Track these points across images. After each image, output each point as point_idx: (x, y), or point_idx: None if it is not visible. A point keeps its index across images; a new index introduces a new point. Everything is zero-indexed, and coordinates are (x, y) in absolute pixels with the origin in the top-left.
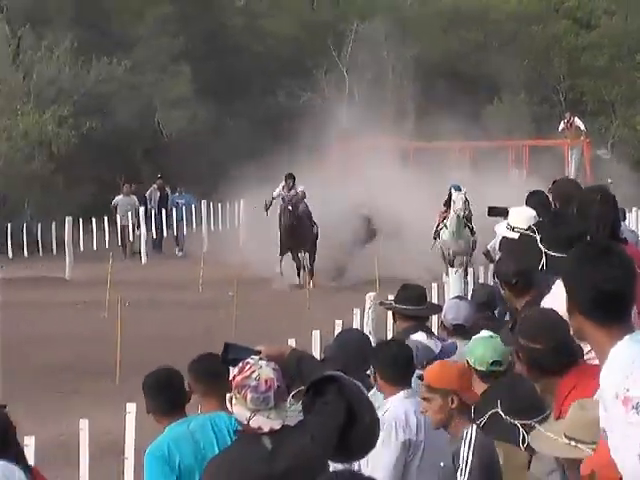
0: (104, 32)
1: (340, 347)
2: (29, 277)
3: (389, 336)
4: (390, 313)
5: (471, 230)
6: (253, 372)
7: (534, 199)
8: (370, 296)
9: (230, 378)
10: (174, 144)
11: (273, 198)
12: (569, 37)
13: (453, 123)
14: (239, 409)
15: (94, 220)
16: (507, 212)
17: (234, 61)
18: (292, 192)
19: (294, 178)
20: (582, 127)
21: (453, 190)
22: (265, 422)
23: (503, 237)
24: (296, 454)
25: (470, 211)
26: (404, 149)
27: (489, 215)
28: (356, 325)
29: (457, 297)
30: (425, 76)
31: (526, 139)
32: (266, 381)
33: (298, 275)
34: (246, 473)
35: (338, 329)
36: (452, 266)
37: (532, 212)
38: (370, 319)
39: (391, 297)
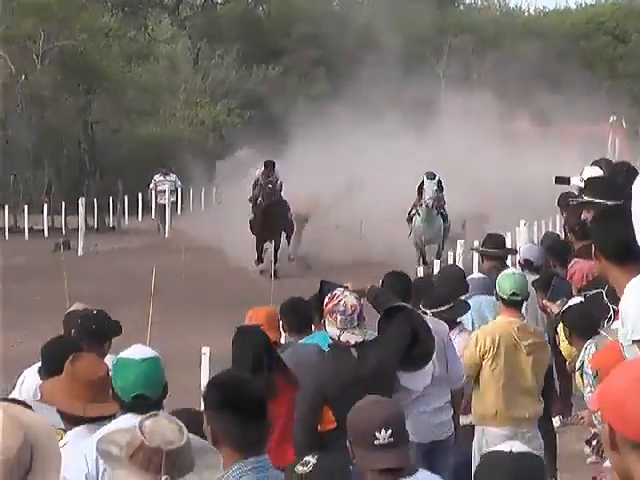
0: (261, 44)
1: (444, 278)
2: None
3: (474, 271)
4: (476, 255)
5: (443, 217)
6: (341, 300)
7: (598, 162)
8: (460, 242)
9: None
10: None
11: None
12: (608, 49)
13: (524, 114)
14: (331, 328)
15: None
16: (569, 180)
17: (357, 67)
18: (270, 179)
19: (274, 165)
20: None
21: (425, 178)
22: (351, 337)
23: (562, 194)
24: (376, 362)
25: (443, 197)
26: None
27: (555, 183)
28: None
29: (531, 242)
30: (502, 78)
31: (577, 126)
32: (351, 306)
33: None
34: (340, 374)
35: (436, 267)
36: (424, 253)
37: (599, 169)
38: (461, 260)
39: (476, 243)
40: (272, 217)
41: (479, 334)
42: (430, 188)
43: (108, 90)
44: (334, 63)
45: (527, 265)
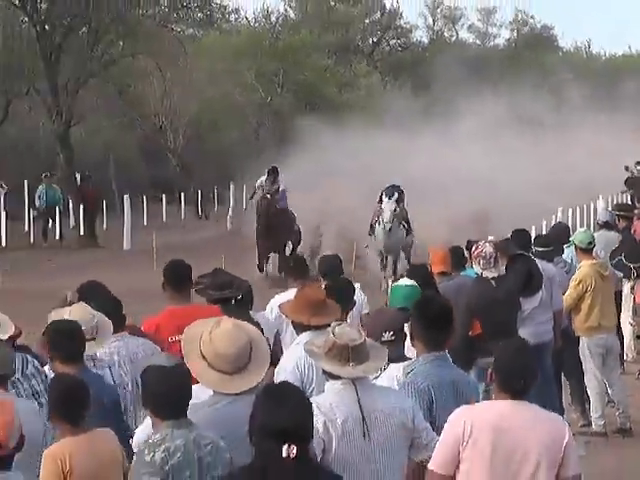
0: (424, 77)
1: (552, 229)
2: None
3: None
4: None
5: (406, 230)
6: (482, 249)
7: None
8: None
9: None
10: None
11: (256, 189)
12: None
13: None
14: (476, 267)
15: None
16: (627, 168)
17: (484, 95)
18: (274, 186)
19: (277, 172)
20: None
21: (384, 195)
22: (489, 273)
23: (628, 177)
24: (506, 288)
25: (404, 211)
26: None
27: (625, 170)
28: None
29: (605, 209)
30: (586, 103)
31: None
32: (489, 253)
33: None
34: (483, 297)
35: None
36: (385, 264)
37: None
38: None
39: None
40: (275, 230)
41: (579, 276)
42: (388, 208)
43: (326, 110)
44: (470, 92)
45: (606, 225)
